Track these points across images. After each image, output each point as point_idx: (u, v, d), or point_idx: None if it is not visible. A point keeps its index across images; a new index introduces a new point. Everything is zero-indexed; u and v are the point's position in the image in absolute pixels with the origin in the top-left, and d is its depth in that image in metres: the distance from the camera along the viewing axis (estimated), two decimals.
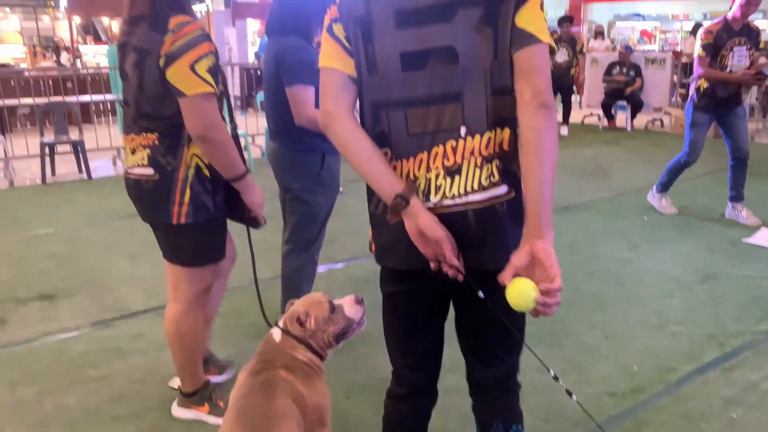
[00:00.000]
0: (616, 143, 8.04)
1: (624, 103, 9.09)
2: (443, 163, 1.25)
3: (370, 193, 1.37)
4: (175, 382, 2.36)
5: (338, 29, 1.28)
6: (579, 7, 15.00)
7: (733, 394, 2.40)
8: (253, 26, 13.73)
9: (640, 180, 5.86)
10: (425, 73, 1.22)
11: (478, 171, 1.24)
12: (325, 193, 2.63)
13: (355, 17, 1.26)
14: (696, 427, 2.20)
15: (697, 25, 10.63)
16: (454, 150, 1.24)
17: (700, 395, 2.40)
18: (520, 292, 1.13)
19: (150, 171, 1.88)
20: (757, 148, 7.46)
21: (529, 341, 1.43)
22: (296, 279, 2.70)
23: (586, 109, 9.97)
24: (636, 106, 9.04)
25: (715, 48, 4.21)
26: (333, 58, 1.29)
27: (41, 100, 6.77)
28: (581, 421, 2.18)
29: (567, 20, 8.38)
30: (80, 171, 6.47)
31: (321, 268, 3.62)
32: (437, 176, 1.25)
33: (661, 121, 9.33)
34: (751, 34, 4.24)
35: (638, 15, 15.99)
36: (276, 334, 1.70)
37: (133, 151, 1.93)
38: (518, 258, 1.16)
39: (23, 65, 14.38)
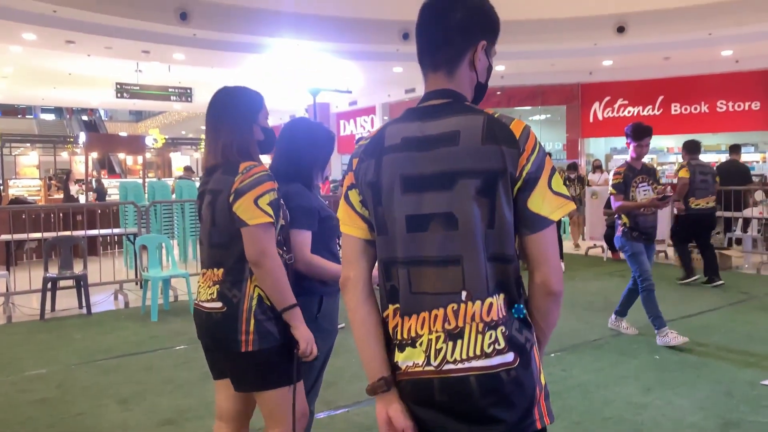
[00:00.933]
0: (621, 275, 7.98)
1: None
2: (444, 326, 1.27)
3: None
4: None
5: (353, 195, 1.40)
6: (576, 141, 15.65)
7: None
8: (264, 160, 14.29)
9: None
10: (427, 234, 1.29)
11: (480, 337, 1.25)
12: (322, 338, 2.54)
13: (367, 182, 1.36)
14: None
15: None
16: (455, 313, 1.26)
17: None
18: None
19: (219, 304, 2.07)
20: (762, 281, 7.42)
21: None
22: None
23: (590, 240, 10.05)
24: None
25: (625, 185, 4.89)
26: (349, 224, 1.41)
27: (49, 234, 6.88)
28: None
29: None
30: (80, 306, 6.42)
31: (320, 415, 3.45)
32: (438, 339, 1.27)
33: (665, 253, 9.35)
34: (649, 172, 5.04)
35: None
36: None
37: (205, 286, 2.13)
38: None
39: (37, 197, 14.84)
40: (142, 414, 3.63)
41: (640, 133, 4.87)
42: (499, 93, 15.38)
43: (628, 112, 15.11)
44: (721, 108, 14.12)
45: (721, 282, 7.08)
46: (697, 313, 5.81)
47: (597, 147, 16.81)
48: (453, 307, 1.26)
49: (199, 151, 24.70)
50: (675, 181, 7.82)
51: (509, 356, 1.25)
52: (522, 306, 1.30)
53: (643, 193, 4.89)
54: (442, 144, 1.29)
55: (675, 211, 7.19)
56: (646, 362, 4.41)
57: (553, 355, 4.56)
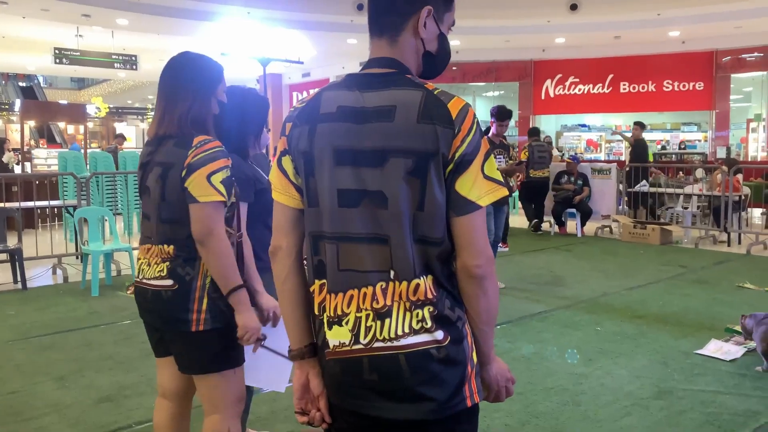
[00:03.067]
0: (568, 250, 8.18)
1: (573, 210, 9.37)
2: (372, 305, 1.25)
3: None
4: None
5: (287, 162, 1.34)
6: (528, 118, 15.83)
7: None
8: None
9: (593, 289, 5.90)
10: (358, 211, 1.26)
11: (408, 315, 1.24)
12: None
13: (300, 150, 1.31)
14: None
15: None
16: (384, 292, 1.24)
17: None
18: None
19: (169, 282, 1.98)
20: (700, 255, 7.72)
21: None
22: None
23: None
24: (585, 214, 9.32)
25: None
26: (281, 191, 1.36)
27: None
28: None
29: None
30: (15, 281, 6.15)
31: (265, 389, 3.41)
32: (367, 317, 1.25)
33: (610, 228, 9.61)
34: (505, 147, 5.97)
35: (584, 126, 16.95)
36: None
37: (150, 263, 2.03)
38: None
39: None
40: (79, 391, 3.51)
41: (503, 114, 5.73)
42: (454, 68, 15.37)
43: (579, 89, 15.35)
44: (667, 87, 14.49)
45: (540, 232, 9.50)
46: (637, 287, 6.00)
47: (548, 124, 17.03)
48: (381, 286, 1.24)
49: (146, 122, 23.89)
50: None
51: (438, 334, 1.24)
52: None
53: (497, 164, 5.75)
54: (377, 118, 1.24)
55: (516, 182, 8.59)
56: (588, 334, 4.53)
57: (498, 327, 4.63)
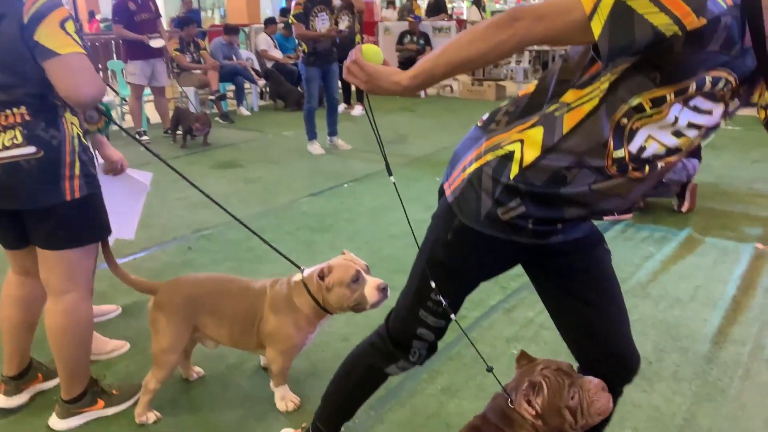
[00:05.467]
0: (411, 110, 8.41)
1: None
2: None
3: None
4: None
5: None
6: None
7: (514, 333, 2.63)
8: None
9: (434, 144, 6.20)
10: None
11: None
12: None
13: None
14: (483, 370, 2.36)
15: None
16: None
17: (487, 338, 2.59)
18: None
19: (31, 149, 1.75)
20: None
21: None
22: None
23: None
24: None
25: (305, 16, 5.50)
26: None
27: None
28: None
29: None
30: None
31: (104, 265, 3.29)
32: None
33: (451, 87, 9.96)
34: (328, 3, 5.59)
35: None
36: (296, 277, 2.03)
37: None
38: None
39: None
40: None
41: None
42: None
43: None
44: None
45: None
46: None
47: None
48: None
49: None
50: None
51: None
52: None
53: (321, 23, 5.53)
54: None
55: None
56: (428, 185, 4.81)
57: (346, 185, 4.79)
